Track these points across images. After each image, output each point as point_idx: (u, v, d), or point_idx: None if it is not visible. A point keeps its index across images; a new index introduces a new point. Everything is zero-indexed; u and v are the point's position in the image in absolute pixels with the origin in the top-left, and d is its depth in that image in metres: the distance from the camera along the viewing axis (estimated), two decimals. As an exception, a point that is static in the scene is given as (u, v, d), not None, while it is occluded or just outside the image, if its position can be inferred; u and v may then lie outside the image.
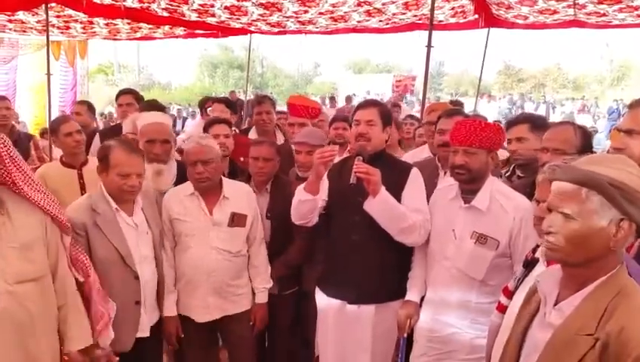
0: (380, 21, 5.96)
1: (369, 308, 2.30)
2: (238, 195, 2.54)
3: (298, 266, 2.80)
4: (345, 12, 5.56)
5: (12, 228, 1.77)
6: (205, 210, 2.47)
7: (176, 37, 7.52)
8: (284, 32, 6.71)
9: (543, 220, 1.27)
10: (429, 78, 4.70)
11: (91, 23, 6.54)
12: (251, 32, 6.84)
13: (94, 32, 7.38)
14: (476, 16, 5.41)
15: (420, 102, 5.53)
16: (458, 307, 2.15)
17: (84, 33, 7.54)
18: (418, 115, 5.06)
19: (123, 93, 4.22)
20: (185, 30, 6.93)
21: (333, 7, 5.33)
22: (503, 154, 2.94)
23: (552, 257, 1.24)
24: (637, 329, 1.08)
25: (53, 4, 4.93)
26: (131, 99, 4.05)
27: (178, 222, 2.47)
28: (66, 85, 10.11)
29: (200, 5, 5.29)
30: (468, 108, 6.22)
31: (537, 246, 1.70)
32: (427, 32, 4.46)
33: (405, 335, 2.26)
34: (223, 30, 6.56)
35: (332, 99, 15.52)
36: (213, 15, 5.68)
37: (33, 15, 5.92)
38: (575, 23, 5.49)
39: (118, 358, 2.14)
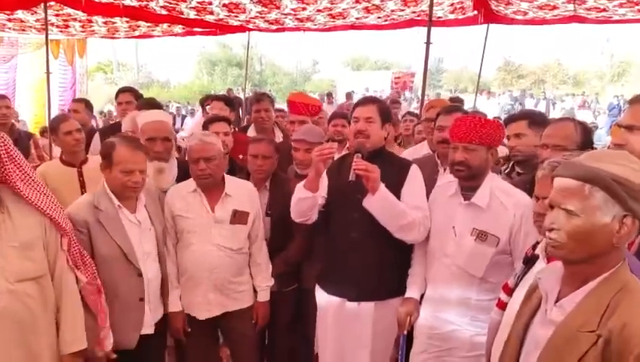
0: (379, 18, 5.95)
1: (369, 306, 2.30)
2: (241, 193, 2.55)
3: (298, 263, 2.80)
4: (343, 9, 5.54)
5: (12, 227, 1.77)
6: (207, 207, 2.47)
7: (175, 35, 7.51)
8: (283, 30, 6.70)
9: (543, 216, 1.26)
10: (428, 74, 4.69)
11: (90, 21, 6.53)
12: (250, 30, 6.83)
13: (93, 31, 7.38)
14: (475, 12, 5.39)
15: (418, 98, 5.53)
16: (458, 304, 2.14)
17: (83, 32, 7.53)
18: (417, 112, 5.06)
19: (122, 91, 4.22)
20: (183, 28, 6.92)
21: (332, 4, 5.32)
22: (502, 151, 2.94)
23: (555, 254, 1.24)
24: None
25: (52, 3, 4.92)
26: (131, 97, 4.04)
27: (180, 218, 2.48)
28: (66, 84, 10.12)
29: (198, 3, 5.28)
30: (467, 105, 6.20)
31: (537, 242, 1.70)
32: (426, 29, 4.45)
33: (405, 332, 2.26)
34: (221, 28, 6.55)
35: (329, 95, 15.43)
36: (211, 13, 5.67)
37: (32, 14, 5.91)
38: (575, 19, 5.47)
39: (115, 355, 2.13)
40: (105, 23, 6.61)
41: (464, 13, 5.59)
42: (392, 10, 5.60)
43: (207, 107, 4.56)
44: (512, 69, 29.63)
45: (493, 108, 15.14)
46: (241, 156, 3.17)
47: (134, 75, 27.90)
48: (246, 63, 8.47)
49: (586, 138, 2.18)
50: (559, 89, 26.05)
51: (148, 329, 2.32)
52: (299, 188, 2.31)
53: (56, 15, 6.05)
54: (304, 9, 5.53)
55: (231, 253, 2.49)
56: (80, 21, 6.51)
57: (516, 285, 1.66)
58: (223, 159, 2.54)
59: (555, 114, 15.59)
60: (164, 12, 5.56)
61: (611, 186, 1.14)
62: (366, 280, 2.29)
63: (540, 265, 1.57)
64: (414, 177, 2.32)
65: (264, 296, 2.63)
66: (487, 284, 2.10)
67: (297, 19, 6.06)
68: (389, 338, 2.35)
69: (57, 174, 2.97)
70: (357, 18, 6.01)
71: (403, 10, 5.60)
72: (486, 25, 5.89)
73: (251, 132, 3.97)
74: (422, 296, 2.29)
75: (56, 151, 3.75)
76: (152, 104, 3.49)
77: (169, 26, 6.77)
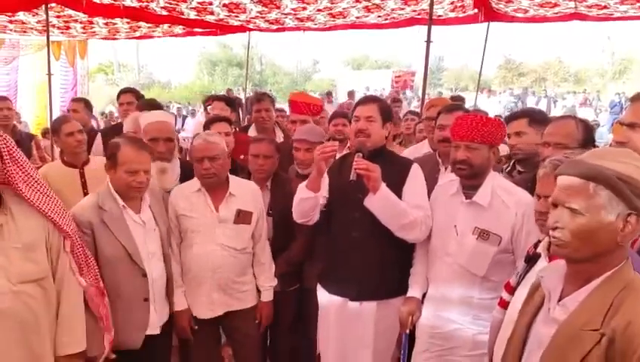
0: (379, 17, 5.94)
1: (370, 305, 2.30)
2: (244, 192, 2.55)
3: (300, 263, 2.80)
4: (343, 8, 5.54)
5: (15, 229, 1.77)
6: (211, 207, 2.47)
7: (175, 35, 7.51)
8: (283, 29, 6.70)
9: (545, 215, 1.26)
10: (428, 73, 4.69)
11: (91, 22, 6.54)
12: (250, 30, 6.83)
13: (94, 32, 7.38)
14: (476, 10, 5.39)
15: (419, 97, 5.52)
16: (460, 303, 2.14)
17: (84, 33, 7.54)
18: (418, 111, 5.06)
19: (124, 92, 4.22)
20: (184, 28, 6.93)
21: (332, 3, 5.32)
22: (504, 149, 2.93)
23: (559, 253, 1.23)
24: (643, 324, 1.07)
25: (53, 5, 4.93)
26: (132, 97, 4.05)
27: (184, 218, 2.48)
28: (67, 85, 10.12)
29: (199, 3, 5.28)
30: (468, 104, 6.20)
31: (539, 241, 1.69)
32: (426, 27, 4.44)
33: (407, 331, 2.26)
34: (221, 28, 6.55)
35: (329, 94, 15.38)
36: (211, 13, 5.67)
37: (33, 15, 5.92)
38: (576, 16, 5.46)
39: (114, 355, 2.13)
40: (106, 24, 6.61)
41: (464, 12, 5.58)
42: (393, 9, 5.59)
43: (209, 107, 4.56)
44: (512, 67, 29.58)
45: (494, 106, 15.11)
46: (242, 156, 3.17)
47: (135, 75, 27.93)
48: (246, 63, 8.47)
49: (587, 136, 2.18)
50: (560, 87, 25.99)
51: (154, 329, 2.32)
52: (301, 188, 2.30)
53: (58, 16, 6.05)
54: (304, 9, 5.52)
55: (235, 252, 2.49)
56: (81, 22, 6.52)
57: (518, 284, 1.65)
58: (227, 159, 2.54)
59: (556, 112, 15.57)
60: (164, 13, 5.56)
61: (616, 185, 1.14)
62: (367, 280, 2.29)
63: (542, 263, 1.57)
64: (415, 176, 2.31)
65: (268, 296, 2.63)
66: (489, 283, 2.10)
67: (297, 18, 6.06)
68: (391, 337, 2.35)
69: (59, 175, 2.97)
70: (357, 17, 6.00)
71: (403, 9, 5.60)
72: (486, 23, 5.88)
73: (252, 132, 3.97)
74: (424, 295, 2.29)
75: (58, 152, 3.75)
76: (153, 104, 3.49)
77: (169, 27, 6.77)
